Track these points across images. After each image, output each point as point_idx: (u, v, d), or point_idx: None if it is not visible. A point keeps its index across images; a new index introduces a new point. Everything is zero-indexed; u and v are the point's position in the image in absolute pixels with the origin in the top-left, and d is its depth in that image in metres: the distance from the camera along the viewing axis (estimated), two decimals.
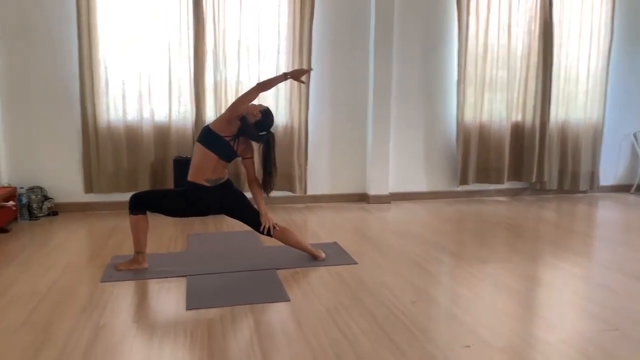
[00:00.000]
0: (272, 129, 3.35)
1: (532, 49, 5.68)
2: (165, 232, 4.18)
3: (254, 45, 5.08)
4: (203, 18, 4.89)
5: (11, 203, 4.35)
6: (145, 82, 4.88)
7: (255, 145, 3.43)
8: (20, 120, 4.73)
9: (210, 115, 5.05)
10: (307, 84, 5.08)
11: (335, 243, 3.94)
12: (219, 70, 5.02)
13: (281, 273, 3.27)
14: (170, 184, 4.91)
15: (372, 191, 5.53)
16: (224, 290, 2.99)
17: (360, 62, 5.43)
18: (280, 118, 5.20)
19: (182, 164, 4.66)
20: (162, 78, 4.91)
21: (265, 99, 5.03)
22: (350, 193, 5.60)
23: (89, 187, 4.87)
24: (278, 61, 5.15)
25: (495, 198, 5.87)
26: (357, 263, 3.48)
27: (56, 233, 4.23)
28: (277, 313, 2.68)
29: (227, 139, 3.22)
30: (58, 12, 4.65)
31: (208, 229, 4.36)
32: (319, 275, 3.25)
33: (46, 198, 4.76)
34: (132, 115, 4.90)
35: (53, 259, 3.54)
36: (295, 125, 5.24)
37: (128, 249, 3.55)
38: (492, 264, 3.50)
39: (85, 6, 4.63)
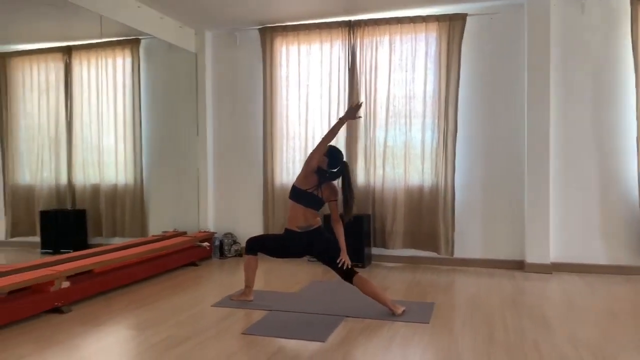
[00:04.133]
0: (344, 160, 3.75)
1: None
2: (297, 277, 4.82)
3: (402, 111, 5.46)
4: (357, 86, 5.55)
5: (206, 244, 5.70)
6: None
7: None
8: (222, 179, 6.17)
9: (361, 175, 5.60)
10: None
11: (432, 304, 3.90)
12: (369, 135, 5.56)
13: (349, 320, 3.49)
14: None
15: (530, 259, 5.07)
16: (281, 325, 3.42)
17: (514, 118, 5.20)
18: (426, 177, 5.38)
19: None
20: None
21: (412, 160, 5.36)
22: (505, 259, 5.23)
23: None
24: (424, 123, 5.39)
25: None
26: (427, 323, 3.43)
27: (235, 269, 5.30)
28: (304, 350, 2.97)
29: (310, 190, 3.72)
30: (252, 90, 6.00)
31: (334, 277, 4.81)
32: (376, 327, 3.36)
33: (234, 242, 6.00)
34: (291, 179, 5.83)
35: (213, 287, 4.56)
36: (441, 184, 5.31)
37: (263, 285, 4.28)
38: None
39: (270, 82, 5.85)
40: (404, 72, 5.45)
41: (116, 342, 3.19)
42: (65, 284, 3.77)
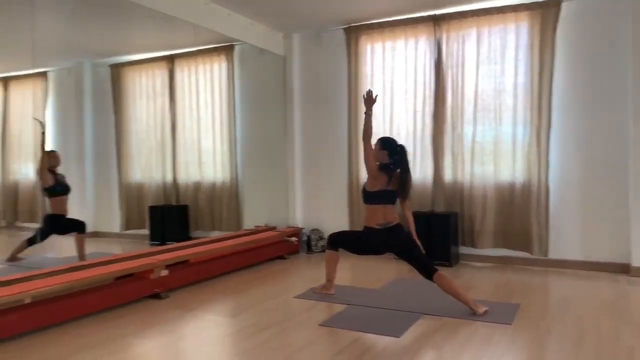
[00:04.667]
0: (400, 144, 3.85)
1: None
2: (382, 274, 4.83)
3: (491, 105, 5.26)
4: (443, 82, 5.44)
5: (294, 239, 5.91)
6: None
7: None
8: (309, 176, 6.35)
9: (448, 172, 5.47)
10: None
11: (517, 305, 3.74)
12: (456, 131, 5.42)
13: (427, 318, 3.46)
14: None
15: (636, 262, 4.64)
16: (358, 319, 3.47)
17: (615, 111, 4.79)
18: (518, 174, 5.15)
19: (417, 218, 5.23)
20: (407, 141, 5.67)
21: (502, 156, 5.18)
22: (607, 262, 4.84)
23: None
24: (515, 118, 5.15)
25: None
26: (509, 324, 3.30)
27: (320, 264, 5.43)
28: (377, 344, 3.01)
29: (383, 189, 3.74)
30: (337, 90, 6.11)
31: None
32: (454, 326, 3.29)
33: (321, 237, 6.15)
34: None
35: (298, 280, 4.75)
36: (534, 181, 5.03)
37: (348, 281, 4.38)
38: None
39: (354, 81, 5.91)
40: (492, 64, 5.24)
41: (206, 326, 3.44)
42: (164, 272, 4.13)
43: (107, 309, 3.70)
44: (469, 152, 5.37)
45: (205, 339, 3.19)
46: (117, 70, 7.47)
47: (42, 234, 5.36)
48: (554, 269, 5.00)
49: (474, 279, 4.68)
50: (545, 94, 4.97)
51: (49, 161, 5.34)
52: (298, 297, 4.06)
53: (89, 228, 7.52)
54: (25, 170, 8.39)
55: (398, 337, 3.10)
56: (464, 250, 5.44)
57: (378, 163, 3.78)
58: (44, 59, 7.51)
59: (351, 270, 5.01)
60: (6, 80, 8.39)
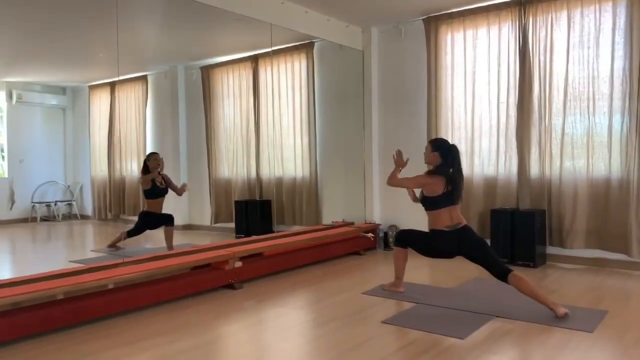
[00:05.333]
0: (452, 144, 3.80)
1: None
2: (460, 273, 4.63)
3: (584, 93, 4.83)
4: (529, 70, 5.09)
5: (370, 235, 5.87)
6: (477, 138, 5.49)
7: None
8: (387, 172, 6.20)
9: (535, 167, 5.11)
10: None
11: (604, 312, 3.41)
12: (544, 122, 5.04)
13: (499, 320, 3.27)
14: (487, 234, 5.24)
15: None
16: (423, 318, 3.36)
17: None
18: (614, 169, 4.69)
19: (499, 215, 5.02)
20: (491, 134, 5.38)
21: (596, 148, 4.79)
22: None
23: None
24: (611, 107, 4.68)
25: None
26: (590, 332, 3.01)
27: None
28: (438, 345, 2.89)
29: (444, 190, 3.62)
30: (416, 83, 5.95)
31: None
32: (526, 330, 3.07)
33: None
34: (465, 170, 5.58)
35: (370, 276, 4.73)
36: (634, 176, 4.55)
37: (424, 279, 4.29)
38: None
39: (434, 73, 5.72)
40: (585, 49, 4.81)
41: (273, 316, 3.53)
42: (238, 264, 4.30)
43: (184, 297, 3.93)
44: (557, 145, 4.98)
45: (269, 327, 3.27)
46: (206, 72, 7.88)
47: (137, 229, 5.87)
48: None
49: (559, 281, 4.34)
50: None
51: (150, 163, 5.79)
52: (366, 293, 4.02)
53: (184, 221, 8.09)
54: (130, 167, 9.13)
55: (462, 339, 2.96)
56: (552, 250, 5.06)
57: (432, 171, 3.74)
58: (144, 64, 8.13)
59: (429, 269, 4.87)
60: (113, 85, 9.18)
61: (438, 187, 3.63)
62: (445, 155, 3.69)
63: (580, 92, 4.85)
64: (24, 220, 9.33)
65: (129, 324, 3.34)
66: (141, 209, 6.42)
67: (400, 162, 3.97)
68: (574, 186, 4.91)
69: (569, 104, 4.91)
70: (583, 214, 4.86)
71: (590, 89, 4.79)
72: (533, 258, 4.83)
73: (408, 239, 3.95)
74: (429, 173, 3.78)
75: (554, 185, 5.03)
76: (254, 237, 5.33)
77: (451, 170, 3.65)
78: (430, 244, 3.74)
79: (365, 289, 4.13)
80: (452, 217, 3.65)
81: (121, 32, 6.03)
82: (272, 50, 7.01)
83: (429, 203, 3.70)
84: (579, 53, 4.84)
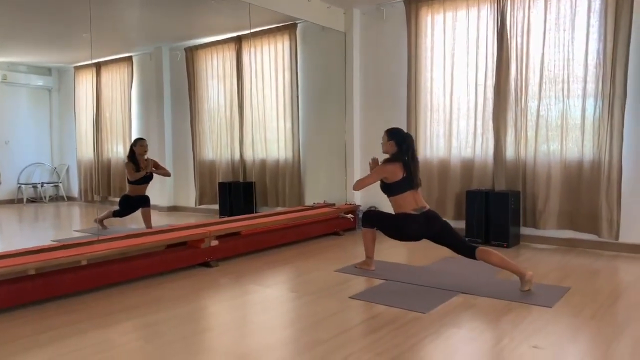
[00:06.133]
0: (406, 133, 3.96)
1: None
2: (434, 253, 4.69)
3: (559, 76, 4.87)
4: (507, 52, 5.12)
5: (350, 216, 5.94)
6: (455, 120, 5.54)
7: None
8: (367, 153, 6.22)
9: (510, 149, 5.18)
10: None
11: (566, 288, 3.50)
12: (520, 105, 5.10)
13: (462, 296, 3.36)
14: (462, 215, 5.32)
15: None
16: (390, 294, 3.44)
17: None
18: (587, 151, 4.76)
19: (474, 196, 5.10)
20: (468, 116, 5.44)
21: (570, 131, 4.83)
22: None
23: None
24: (585, 89, 4.73)
25: None
26: (549, 307, 3.10)
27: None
28: (400, 319, 2.97)
29: (405, 175, 3.72)
30: (397, 65, 5.97)
31: None
32: (486, 305, 3.16)
33: None
34: (442, 152, 5.65)
35: (345, 255, 4.81)
36: (605, 158, 4.62)
37: (399, 258, 4.38)
38: None
39: (414, 55, 5.74)
40: (561, 32, 4.84)
41: (247, 292, 3.59)
42: (214, 243, 4.36)
43: (159, 274, 3.99)
44: (532, 128, 5.04)
45: (243, 303, 3.34)
46: (191, 53, 7.86)
47: (119, 213, 5.98)
48: (626, 253, 4.60)
49: (529, 260, 4.43)
50: (620, 63, 4.52)
51: (136, 149, 5.87)
52: (338, 270, 4.10)
53: (169, 203, 8.13)
54: (116, 149, 9.13)
55: (424, 313, 3.04)
56: (525, 231, 5.15)
57: (388, 159, 3.84)
58: (129, 45, 8.10)
59: (403, 248, 4.94)
60: (98, 66, 9.13)
61: (398, 172, 3.74)
62: (400, 144, 3.81)
63: (556, 74, 4.90)
64: (11, 202, 9.34)
65: (101, 299, 3.40)
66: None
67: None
68: (547, 167, 4.98)
69: (544, 86, 4.95)
70: (556, 195, 4.95)
71: (565, 72, 4.84)
72: (507, 238, 4.92)
73: (374, 220, 4.00)
74: (386, 161, 3.85)
75: (528, 167, 5.10)
76: (231, 218, 5.38)
77: (406, 157, 3.77)
78: (399, 227, 3.78)
79: (339, 267, 4.21)
80: (416, 200, 3.74)
81: (105, 11, 6.00)
82: (255, 32, 7.00)
83: (392, 189, 3.77)
84: (554, 35, 4.88)
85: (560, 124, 4.89)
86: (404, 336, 2.67)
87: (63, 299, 3.36)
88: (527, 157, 5.11)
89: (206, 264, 4.28)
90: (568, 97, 4.84)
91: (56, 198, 9.78)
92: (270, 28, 6.85)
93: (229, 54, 7.43)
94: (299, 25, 6.65)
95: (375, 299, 3.32)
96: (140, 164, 5.85)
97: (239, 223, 4.85)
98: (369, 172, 3.97)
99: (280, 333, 2.84)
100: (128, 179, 6.01)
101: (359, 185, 3.92)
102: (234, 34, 7.21)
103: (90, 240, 3.98)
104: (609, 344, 2.54)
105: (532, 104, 5.04)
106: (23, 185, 9.41)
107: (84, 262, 3.50)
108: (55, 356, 2.48)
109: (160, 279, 3.92)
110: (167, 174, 6.32)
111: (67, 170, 9.85)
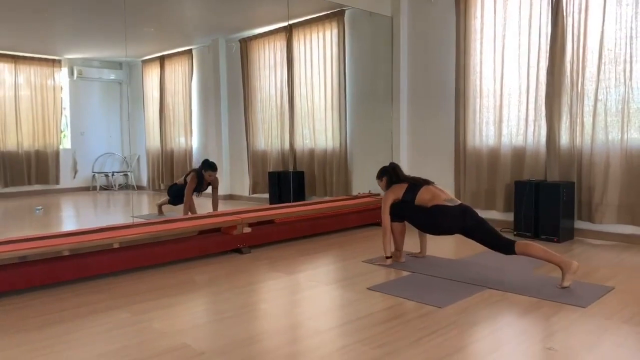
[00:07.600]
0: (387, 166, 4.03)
1: None
2: (472, 246, 4.46)
3: (620, 55, 4.42)
4: (562, 31, 4.73)
5: None
6: (506, 106, 5.21)
7: None
8: (414, 142, 6.08)
9: (565, 137, 4.79)
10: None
11: (609, 288, 3.18)
12: (575, 89, 4.69)
13: (488, 292, 3.16)
14: (512, 207, 5.01)
15: None
16: (411, 286, 3.30)
17: None
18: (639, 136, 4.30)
19: (523, 187, 4.78)
20: (520, 103, 5.09)
21: (632, 116, 4.38)
22: None
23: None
24: None
25: None
26: (583, 307, 2.83)
27: (414, 232, 5.29)
28: (415, 312, 2.84)
29: (407, 187, 3.75)
30: (445, 49, 5.71)
31: None
32: (513, 301, 2.94)
33: None
34: (491, 140, 5.34)
35: (378, 245, 4.70)
36: None
37: (434, 251, 4.23)
38: None
39: (463, 37, 5.46)
40: (623, 6, 4.39)
41: (267, 279, 3.60)
42: (247, 230, 4.41)
43: (191, 259, 4.11)
44: (589, 114, 4.63)
45: (268, 288, 3.35)
46: (245, 45, 7.99)
47: (171, 201, 6.28)
48: None
49: (578, 256, 4.08)
50: None
51: (205, 175, 5.95)
52: (366, 261, 4.00)
53: (226, 192, 8.36)
54: (178, 140, 9.52)
55: (440, 307, 2.89)
56: (580, 225, 4.76)
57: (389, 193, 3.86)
58: (189, 38, 8.39)
59: (442, 240, 4.73)
60: (162, 59, 9.54)
61: (400, 188, 3.79)
62: (389, 175, 3.93)
63: (617, 54, 4.45)
64: (86, 189, 10.03)
65: (131, 281, 3.55)
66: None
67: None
68: (606, 157, 4.56)
69: (603, 67, 4.52)
70: (616, 187, 4.52)
71: (627, 51, 4.39)
72: (557, 233, 4.57)
73: (405, 214, 3.85)
74: (386, 190, 3.91)
75: (584, 156, 4.70)
76: (267, 206, 5.42)
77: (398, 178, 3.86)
78: (434, 219, 3.60)
79: (368, 257, 4.11)
80: (443, 192, 3.65)
81: (167, 6, 6.24)
82: (304, 20, 6.99)
83: (407, 196, 3.73)
84: (616, 11, 4.43)
85: (621, 109, 4.45)
86: (409, 330, 2.55)
87: (94, 280, 3.55)
88: (583, 145, 4.70)
89: (238, 250, 4.34)
90: (630, 80, 4.38)
91: (126, 186, 10.38)
92: (319, 16, 6.79)
93: (280, 44, 7.46)
94: (347, 12, 6.54)
95: (393, 291, 3.20)
96: (202, 186, 6.02)
97: (272, 211, 4.87)
98: (406, 174, 4.00)
99: (279, 321, 2.79)
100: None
101: (383, 221, 3.85)
102: (285, 24, 7.24)
103: (125, 225, 4.16)
104: (636, 351, 2.28)
105: (590, 88, 4.62)
106: (96, 174, 10.08)
107: (116, 245, 3.66)
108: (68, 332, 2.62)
109: (192, 263, 4.03)
110: (215, 202, 6.13)
111: (138, 160, 10.41)
